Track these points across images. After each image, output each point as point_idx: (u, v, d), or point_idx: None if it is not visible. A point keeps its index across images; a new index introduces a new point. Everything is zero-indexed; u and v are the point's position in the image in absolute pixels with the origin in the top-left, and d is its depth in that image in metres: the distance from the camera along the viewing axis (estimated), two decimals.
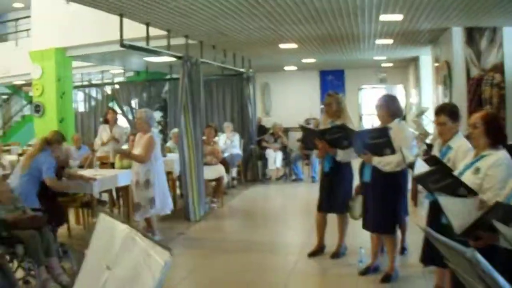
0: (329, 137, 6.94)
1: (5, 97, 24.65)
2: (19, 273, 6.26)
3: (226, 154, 13.18)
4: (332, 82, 20.86)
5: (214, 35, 10.66)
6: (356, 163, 6.90)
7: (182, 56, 10.36)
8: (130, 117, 17.84)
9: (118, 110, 17.41)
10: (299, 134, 15.16)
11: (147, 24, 9.24)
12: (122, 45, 9.03)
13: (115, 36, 9.14)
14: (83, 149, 11.86)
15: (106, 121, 12.13)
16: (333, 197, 7.21)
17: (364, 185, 6.49)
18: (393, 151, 5.94)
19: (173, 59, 10.77)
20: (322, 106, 19.25)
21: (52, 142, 7.71)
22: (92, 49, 12.74)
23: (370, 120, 18.95)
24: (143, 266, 1.85)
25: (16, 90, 22.47)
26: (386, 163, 6.01)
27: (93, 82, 20.78)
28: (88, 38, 12.18)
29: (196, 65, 10.67)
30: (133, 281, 1.89)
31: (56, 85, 12.80)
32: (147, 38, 9.32)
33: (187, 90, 10.28)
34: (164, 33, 9.96)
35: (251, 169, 15.39)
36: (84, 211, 9.53)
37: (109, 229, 2.16)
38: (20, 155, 12.87)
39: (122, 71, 20.11)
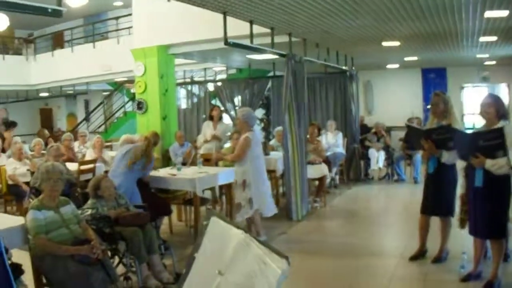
0: (435, 137, 6.80)
1: (107, 93, 25.41)
2: (120, 269, 6.43)
3: (329, 153, 13.19)
4: (434, 80, 20.39)
5: (317, 33, 10.62)
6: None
7: (286, 54, 10.37)
8: (233, 114, 17.98)
9: (221, 107, 17.62)
10: (401, 133, 14.93)
11: (251, 22, 9.29)
12: (226, 43, 9.08)
13: (218, 34, 9.23)
14: (186, 146, 12.04)
15: (211, 118, 12.30)
16: (437, 199, 7.13)
17: (473, 190, 6.25)
18: (505, 153, 5.74)
19: (277, 56, 10.75)
20: (424, 105, 18.95)
21: (156, 143, 8.03)
22: (195, 47, 12.89)
23: (472, 119, 18.55)
24: (258, 273, 1.83)
25: (118, 86, 23.08)
26: (500, 166, 5.80)
27: (196, 79, 21.08)
28: (191, 36, 12.33)
29: (300, 63, 10.69)
30: None
31: (159, 82, 13.03)
32: (251, 36, 9.35)
33: (291, 88, 10.32)
34: (267, 30, 9.97)
35: (353, 168, 15.34)
36: (186, 208, 9.67)
37: (222, 234, 2.15)
38: None
39: (225, 68, 20.29)
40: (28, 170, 10.36)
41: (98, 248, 5.45)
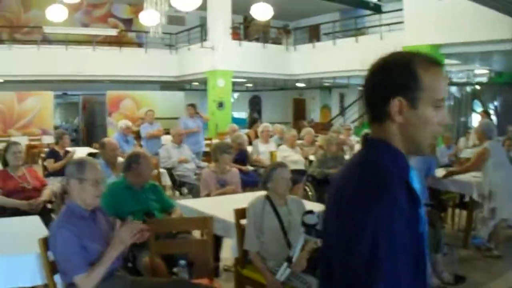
0: None
1: (361, 88, 25.65)
2: None
3: None
4: None
5: None
6: None
7: None
8: (494, 118, 17.51)
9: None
10: None
11: None
12: None
13: (495, 36, 9.01)
14: (452, 148, 11.96)
15: None
16: None
17: None
18: None
19: None
20: None
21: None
22: (469, 48, 12.71)
23: None
24: None
25: None
26: None
27: (454, 80, 20.74)
28: (468, 36, 12.15)
29: None
30: None
31: None
32: None
33: None
34: None
35: None
36: (454, 211, 9.59)
37: None
38: None
39: (483, 71, 19.74)
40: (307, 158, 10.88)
41: None
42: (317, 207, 5.77)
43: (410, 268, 1.72)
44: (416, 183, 1.88)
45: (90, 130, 24.42)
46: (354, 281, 1.72)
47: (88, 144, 17.42)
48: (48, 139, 17.81)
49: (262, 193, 4.97)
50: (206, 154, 12.57)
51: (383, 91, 1.85)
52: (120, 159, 7.54)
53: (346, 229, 1.76)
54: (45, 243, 3.84)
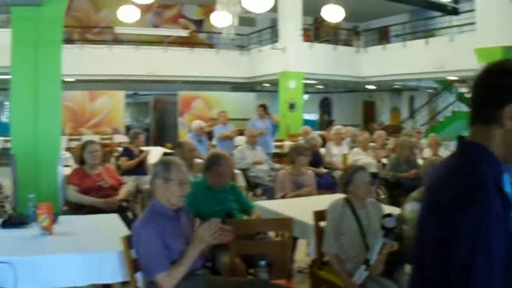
0: None
1: (430, 91, 25.33)
2: None
3: None
4: None
5: None
6: None
7: None
8: None
9: None
10: None
11: None
12: None
13: None
14: None
15: None
16: None
17: None
18: None
19: None
20: None
21: None
22: None
23: None
24: None
25: (446, 85, 22.88)
26: None
27: None
28: None
29: None
30: None
31: None
32: None
33: None
34: None
35: None
36: None
37: None
38: None
39: None
40: (379, 161, 10.78)
41: None
42: (394, 210, 5.74)
43: (504, 270, 1.75)
44: (508, 188, 1.89)
45: (161, 130, 24.74)
46: (449, 280, 1.78)
47: (159, 144, 17.58)
48: (119, 138, 18.06)
49: (341, 195, 4.97)
50: (275, 155, 12.58)
51: (498, 95, 1.87)
52: (196, 160, 7.65)
53: (444, 231, 1.82)
54: (128, 241, 3.91)
